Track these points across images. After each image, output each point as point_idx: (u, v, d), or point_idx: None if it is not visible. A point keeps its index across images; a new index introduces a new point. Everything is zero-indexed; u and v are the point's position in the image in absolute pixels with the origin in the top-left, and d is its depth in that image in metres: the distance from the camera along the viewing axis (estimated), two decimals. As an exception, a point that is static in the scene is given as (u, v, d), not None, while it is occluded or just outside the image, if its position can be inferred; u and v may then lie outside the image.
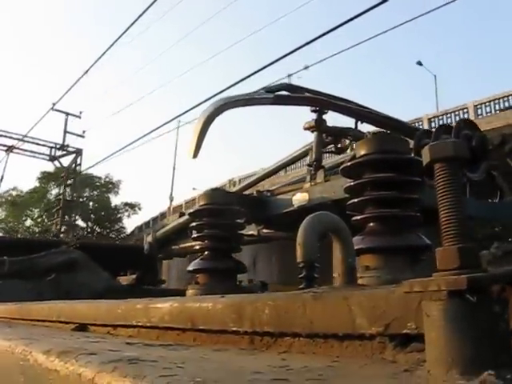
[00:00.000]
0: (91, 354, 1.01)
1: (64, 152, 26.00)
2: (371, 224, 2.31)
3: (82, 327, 2.11)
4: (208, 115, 2.71)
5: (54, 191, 35.56)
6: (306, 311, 1.09)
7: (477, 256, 0.73)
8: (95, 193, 39.51)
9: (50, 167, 32.64)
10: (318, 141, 3.32)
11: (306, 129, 3.36)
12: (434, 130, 2.85)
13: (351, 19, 7.40)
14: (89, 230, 39.59)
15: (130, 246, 7.87)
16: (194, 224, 3.30)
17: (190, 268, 3.26)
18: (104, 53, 14.86)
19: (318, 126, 3.29)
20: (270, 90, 3.11)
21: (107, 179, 38.94)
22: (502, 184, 3.42)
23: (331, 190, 2.96)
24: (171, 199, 41.46)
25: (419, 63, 38.60)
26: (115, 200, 40.60)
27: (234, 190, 4.51)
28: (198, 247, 3.33)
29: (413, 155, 2.46)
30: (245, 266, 3.33)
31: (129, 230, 41.63)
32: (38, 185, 38.60)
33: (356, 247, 2.20)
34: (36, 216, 38.43)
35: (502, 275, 0.72)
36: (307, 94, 3.48)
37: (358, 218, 2.35)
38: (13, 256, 4.69)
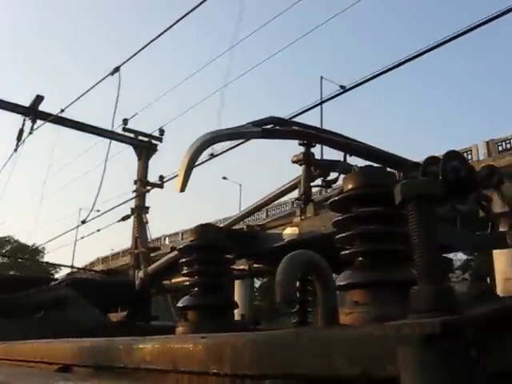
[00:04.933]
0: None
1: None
2: (360, 258, 2.29)
3: (65, 368, 2.06)
4: (195, 149, 2.70)
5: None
6: (285, 353, 1.06)
7: (452, 298, 0.70)
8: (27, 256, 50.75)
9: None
10: (307, 174, 3.31)
11: (294, 162, 3.35)
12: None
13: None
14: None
15: (121, 281, 7.78)
16: (183, 260, 3.26)
17: (180, 305, 3.21)
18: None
19: (306, 160, 3.28)
20: (257, 123, 3.10)
21: (33, 247, 48.59)
22: (494, 214, 3.40)
23: (321, 224, 2.94)
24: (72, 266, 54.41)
25: (224, 178, 44.25)
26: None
27: (223, 224, 4.48)
28: (187, 283, 3.29)
29: None
30: (235, 302, 3.29)
31: (55, 284, 55.01)
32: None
33: (345, 282, 2.18)
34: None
35: (478, 317, 0.70)
36: (295, 128, 3.49)
37: (347, 252, 2.32)
38: (0, 293, 4.62)
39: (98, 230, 17.97)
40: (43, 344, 2.48)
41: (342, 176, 3.50)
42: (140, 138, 17.68)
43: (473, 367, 0.67)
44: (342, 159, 3.46)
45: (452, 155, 3.00)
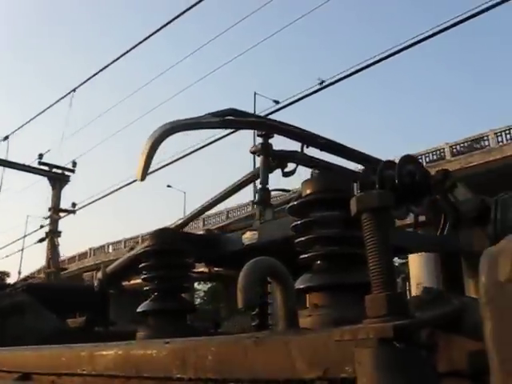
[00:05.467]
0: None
1: None
2: (319, 262, 2.34)
3: (25, 377, 2.04)
4: (155, 139, 2.69)
5: None
6: (247, 357, 1.09)
7: (404, 303, 0.75)
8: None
9: None
10: (265, 164, 3.36)
11: (252, 152, 3.40)
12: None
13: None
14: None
15: (79, 286, 7.68)
16: (142, 265, 3.25)
17: (140, 309, 3.20)
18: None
19: (264, 150, 3.33)
20: (216, 114, 3.11)
21: (-24, 251, 51.79)
22: (447, 212, 3.49)
23: (280, 228, 2.98)
24: (19, 273, 53.64)
25: (169, 186, 44.99)
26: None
27: (180, 221, 4.46)
28: (147, 288, 3.28)
29: (358, 192, 2.51)
30: (194, 306, 3.30)
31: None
32: None
33: (304, 285, 2.22)
34: None
35: (428, 320, 0.75)
36: (253, 119, 3.52)
37: (305, 256, 2.37)
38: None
39: (21, 250, 20.00)
40: (1, 352, 2.45)
41: (300, 167, 3.56)
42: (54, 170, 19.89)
43: (423, 367, 0.72)
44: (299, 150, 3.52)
45: (407, 159, 3.08)
